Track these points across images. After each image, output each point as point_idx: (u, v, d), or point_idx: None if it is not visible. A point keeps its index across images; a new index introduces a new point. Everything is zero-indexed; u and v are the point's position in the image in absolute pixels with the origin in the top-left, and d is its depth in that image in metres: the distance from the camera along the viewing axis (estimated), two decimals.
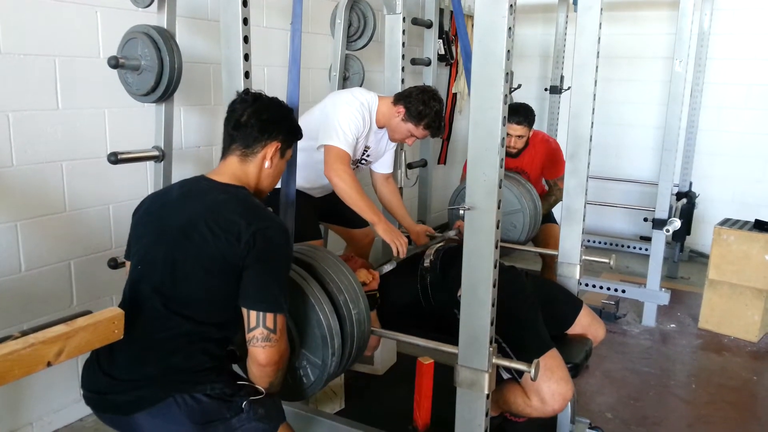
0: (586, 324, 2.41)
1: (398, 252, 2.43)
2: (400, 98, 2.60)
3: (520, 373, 2.01)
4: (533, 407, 2.10)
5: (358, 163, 2.74)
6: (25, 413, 2.46)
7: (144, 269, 1.57)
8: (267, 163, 1.68)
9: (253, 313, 1.49)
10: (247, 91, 1.76)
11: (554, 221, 3.70)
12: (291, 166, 1.96)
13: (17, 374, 1.13)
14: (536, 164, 3.50)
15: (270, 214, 1.62)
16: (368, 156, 2.74)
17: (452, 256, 2.44)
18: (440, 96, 2.64)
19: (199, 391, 1.50)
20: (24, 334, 1.20)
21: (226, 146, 1.69)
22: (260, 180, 1.70)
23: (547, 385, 2.03)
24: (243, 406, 1.54)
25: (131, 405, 1.48)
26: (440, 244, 2.57)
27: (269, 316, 1.49)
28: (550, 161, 3.52)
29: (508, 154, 3.59)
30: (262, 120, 1.66)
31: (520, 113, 3.28)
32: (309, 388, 1.82)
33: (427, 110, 2.55)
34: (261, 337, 1.49)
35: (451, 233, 2.89)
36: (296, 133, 1.79)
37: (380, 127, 2.68)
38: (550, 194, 3.60)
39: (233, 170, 1.66)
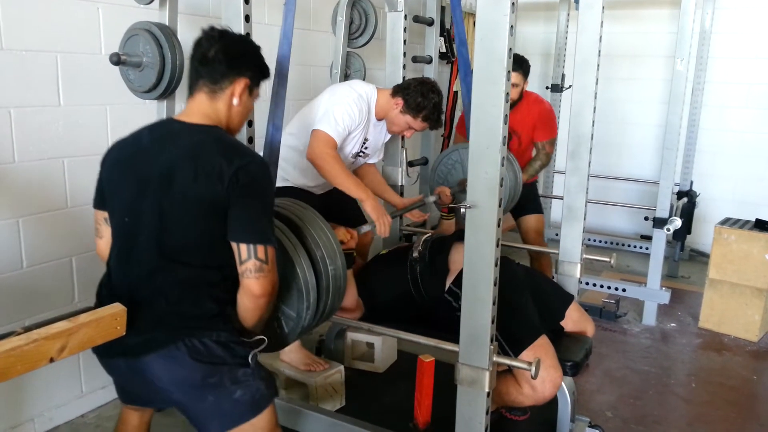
0: (576, 318, 2.42)
1: (382, 231, 2.42)
2: (398, 90, 2.59)
3: None
4: (525, 395, 2.12)
5: (357, 156, 2.72)
6: (26, 409, 2.47)
7: (132, 221, 1.55)
8: (236, 101, 1.64)
9: (243, 246, 1.50)
10: (213, 28, 1.69)
11: (539, 211, 3.68)
12: (277, 109, 1.90)
13: (20, 370, 1.14)
14: (528, 124, 3.45)
15: (249, 150, 1.60)
16: (366, 149, 2.72)
17: (440, 245, 2.46)
18: (439, 88, 2.62)
19: (207, 336, 1.52)
20: (27, 329, 1.20)
21: (192, 83, 1.64)
22: (230, 118, 1.67)
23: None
24: (249, 359, 1.56)
25: (140, 347, 1.49)
26: (428, 235, 2.59)
27: (260, 247, 1.50)
28: (542, 122, 3.46)
29: None
30: (229, 55, 1.62)
31: (514, 61, 3.25)
32: (282, 339, 1.84)
33: (426, 102, 2.53)
34: (254, 269, 1.49)
35: (431, 198, 2.92)
36: (264, 71, 1.73)
37: (379, 119, 2.66)
38: (536, 159, 3.53)
39: (203, 109, 1.62)
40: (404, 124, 2.61)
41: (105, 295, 1.59)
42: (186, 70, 2.40)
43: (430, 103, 2.54)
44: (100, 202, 1.65)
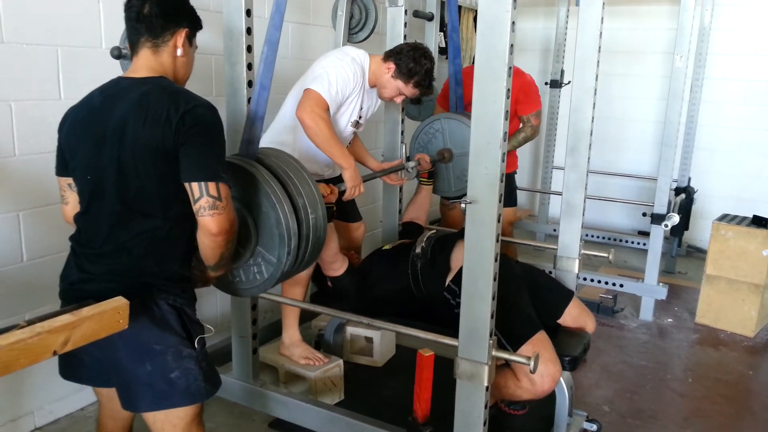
0: (575, 315, 2.42)
1: (350, 196, 2.42)
2: (390, 55, 2.55)
3: None
4: (524, 389, 2.14)
5: (357, 125, 2.67)
6: (26, 402, 2.48)
7: (94, 178, 1.59)
8: (180, 51, 1.68)
9: (195, 185, 1.52)
10: None
11: (513, 204, 3.68)
12: (266, 71, 1.95)
13: (24, 363, 1.14)
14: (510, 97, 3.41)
15: (195, 95, 1.63)
16: (361, 117, 2.67)
17: (443, 243, 2.47)
18: (431, 54, 2.60)
19: (162, 298, 1.57)
20: (30, 323, 1.20)
21: (133, 41, 1.67)
22: (176, 69, 1.70)
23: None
24: (196, 342, 1.61)
25: (99, 294, 1.52)
26: (432, 232, 2.59)
27: (211, 184, 1.52)
28: (525, 94, 3.40)
29: None
30: (165, 9, 1.65)
31: None
32: (262, 284, 1.90)
33: (418, 68, 2.51)
34: (207, 206, 1.51)
35: (411, 164, 2.97)
36: (198, 21, 1.77)
37: (372, 86, 2.63)
38: (521, 131, 3.45)
39: (148, 63, 1.66)
40: (395, 90, 2.57)
41: (75, 250, 1.65)
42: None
43: (422, 68, 2.52)
44: (62, 169, 1.70)
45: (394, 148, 3.17)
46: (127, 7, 1.66)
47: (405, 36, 3.05)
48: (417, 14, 3.80)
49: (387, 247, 2.74)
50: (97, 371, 1.68)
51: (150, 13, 1.62)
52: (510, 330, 2.08)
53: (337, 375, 2.71)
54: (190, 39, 1.72)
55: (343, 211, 2.88)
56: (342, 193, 2.39)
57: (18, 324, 1.21)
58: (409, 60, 2.50)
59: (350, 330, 2.99)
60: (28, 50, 2.28)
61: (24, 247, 2.37)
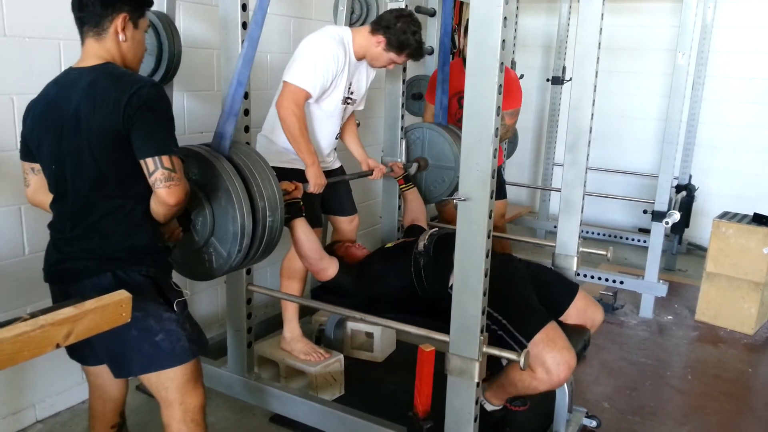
0: (581, 307, 2.41)
1: (311, 191, 2.48)
2: (378, 28, 2.58)
3: (522, 348, 2.03)
4: (539, 380, 2.12)
5: (346, 102, 2.68)
6: (27, 395, 2.49)
7: (58, 167, 1.64)
8: (122, 36, 1.69)
9: (149, 160, 1.56)
10: None
11: (503, 196, 3.70)
12: (243, 68, 1.98)
13: (27, 355, 1.15)
14: (501, 93, 3.38)
15: (140, 76, 1.67)
16: (352, 93, 2.69)
17: (446, 240, 2.46)
18: (417, 19, 2.63)
19: (135, 270, 1.65)
20: (33, 315, 1.21)
21: (80, 31, 1.70)
22: (123, 54, 1.72)
23: (551, 356, 2.06)
24: (174, 304, 1.68)
25: (78, 273, 1.64)
26: (435, 230, 2.59)
27: (164, 157, 1.56)
28: (505, 90, 3.36)
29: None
30: None
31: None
32: (210, 271, 1.98)
33: (408, 39, 2.56)
34: (163, 178, 1.56)
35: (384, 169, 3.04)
36: (141, 1, 1.75)
37: (359, 59, 2.65)
38: None
39: (94, 51, 1.68)
40: (388, 60, 2.64)
41: (53, 235, 1.72)
42: (188, 59, 2.43)
43: (412, 39, 2.57)
44: (25, 154, 1.76)
45: (395, 143, 3.17)
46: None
47: None
48: (419, 10, 3.79)
49: (389, 245, 2.74)
50: (89, 350, 1.76)
51: (87, 2, 1.65)
52: (521, 324, 2.08)
53: (338, 370, 2.72)
54: (134, 21, 1.72)
55: (337, 204, 2.89)
56: (305, 189, 2.45)
57: (21, 316, 1.21)
58: (399, 33, 2.54)
59: (351, 325, 3.00)
60: (30, 44, 2.28)
61: (26, 241, 2.37)
